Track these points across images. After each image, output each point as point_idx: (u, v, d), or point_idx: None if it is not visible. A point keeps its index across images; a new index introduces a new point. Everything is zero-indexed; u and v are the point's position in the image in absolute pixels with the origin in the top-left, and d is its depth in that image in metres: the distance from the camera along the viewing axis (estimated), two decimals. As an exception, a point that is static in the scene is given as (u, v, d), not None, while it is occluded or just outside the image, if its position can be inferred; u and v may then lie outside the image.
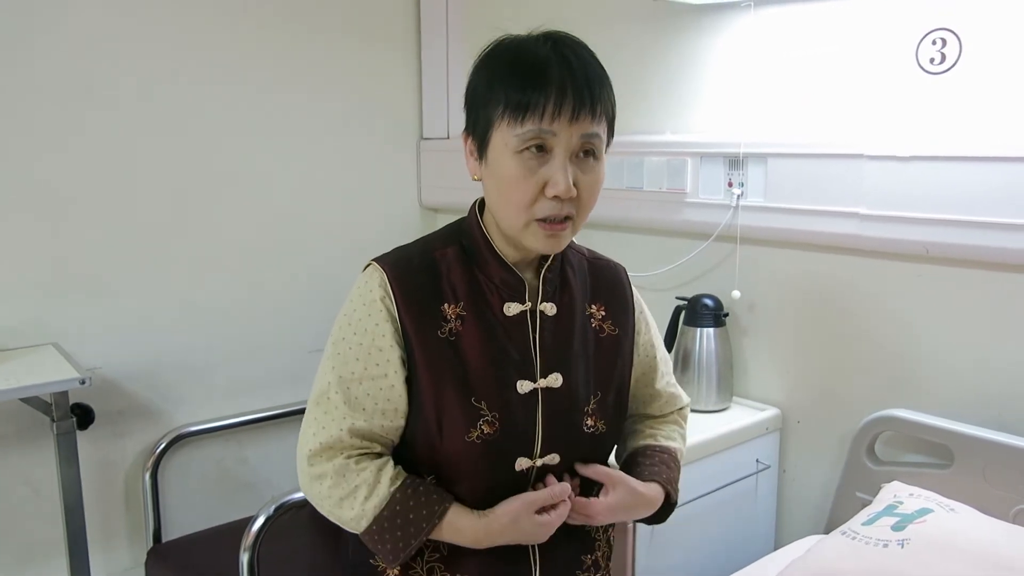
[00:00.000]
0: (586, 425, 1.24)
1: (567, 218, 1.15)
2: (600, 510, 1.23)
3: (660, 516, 1.33)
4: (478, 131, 1.16)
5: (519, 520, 1.17)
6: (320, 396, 1.21)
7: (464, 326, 1.19)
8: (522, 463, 1.20)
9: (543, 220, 1.13)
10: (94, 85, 2.23)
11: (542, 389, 1.21)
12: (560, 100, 1.09)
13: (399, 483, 1.17)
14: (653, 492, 1.28)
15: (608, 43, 2.30)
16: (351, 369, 1.18)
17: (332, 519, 1.21)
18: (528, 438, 1.20)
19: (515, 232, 1.16)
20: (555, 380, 1.21)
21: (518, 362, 1.20)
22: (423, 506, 1.16)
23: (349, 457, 1.18)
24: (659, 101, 2.23)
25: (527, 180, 1.11)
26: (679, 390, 1.43)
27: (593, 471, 1.25)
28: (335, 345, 1.20)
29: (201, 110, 2.41)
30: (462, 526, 1.17)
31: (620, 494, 1.24)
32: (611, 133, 1.18)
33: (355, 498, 1.17)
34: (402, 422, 1.20)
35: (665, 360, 1.41)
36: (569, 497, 1.21)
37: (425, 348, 1.17)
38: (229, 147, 2.48)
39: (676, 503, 1.33)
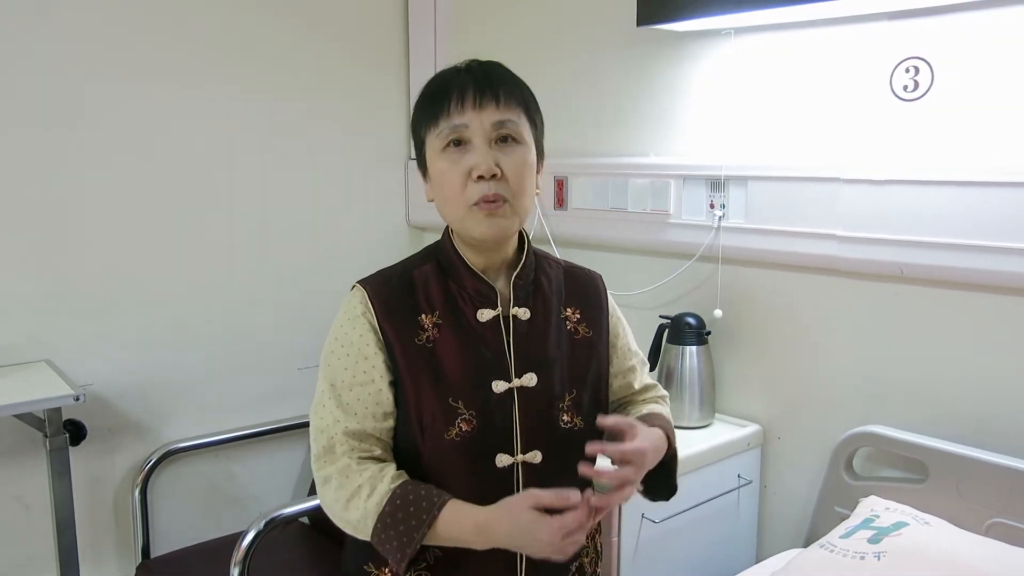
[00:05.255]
0: (563, 421, 1.30)
1: (503, 200, 1.23)
2: (639, 451, 1.21)
3: (667, 483, 1.36)
4: (419, 156, 1.29)
5: (516, 512, 1.15)
6: (316, 405, 1.29)
7: (440, 333, 1.27)
8: (503, 459, 1.26)
9: (478, 203, 1.22)
10: (88, 105, 2.26)
11: (517, 388, 1.28)
12: (462, 94, 1.21)
13: (400, 481, 1.21)
14: (658, 434, 1.30)
15: (593, 68, 2.37)
16: (341, 378, 1.26)
17: (346, 529, 1.25)
18: (507, 435, 1.26)
19: (460, 224, 1.26)
20: (530, 379, 1.28)
21: (493, 364, 1.28)
22: (423, 499, 1.19)
23: (351, 458, 1.24)
24: (643, 124, 2.28)
25: (453, 170, 1.22)
26: (656, 383, 1.50)
27: (612, 420, 1.24)
28: (326, 359, 1.29)
29: (192, 132, 2.44)
30: (462, 517, 1.18)
31: (644, 433, 1.24)
32: (534, 124, 1.28)
33: (359, 497, 1.21)
34: (391, 423, 1.27)
35: (643, 361, 1.49)
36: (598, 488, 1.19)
37: (405, 354, 1.26)
38: (220, 167, 2.51)
39: (677, 452, 1.35)
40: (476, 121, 1.21)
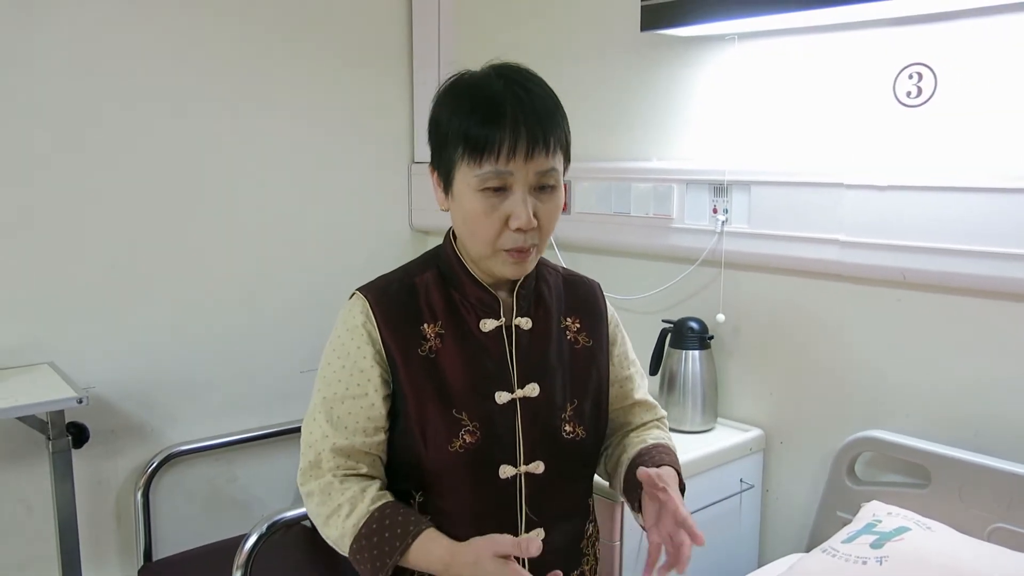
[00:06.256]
0: (565, 431, 1.29)
1: (532, 247, 1.22)
2: (680, 504, 1.22)
3: None
4: (442, 169, 1.24)
5: (481, 560, 1.14)
6: (308, 418, 1.29)
7: (443, 343, 1.26)
8: (506, 471, 1.25)
9: (509, 251, 1.21)
10: (89, 107, 2.26)
11: (520, 399, 1.27)
12: (515, 140, 1.15)
13: (379, 503, 1.22)
14: (673, 473, 1.29)
15: (597, 72, 2.37)
16: (334, 390, 1.26)
17: (327, 540, 1.27)
18: (510, 446, 1.26)
19: (483, 260, 1.24)
20: (532, 390, 1.28)
21: (495, 374, 1.27)
22: (398, 525, 1.19)
23: (335, 476, 1.24)
24: (646, 129, 2.28)
25: (490, 216, 1.18)
26: (655, 402, 1.49)
27: (645, 474, 1.23)
28: (322, 370, 1.28)
29: (195, 135, 2.44)
30: (431, 550, 1.18)
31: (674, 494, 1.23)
32: (568, 159, 1.25)
33: (338, 516, 1.22)
34: (383, 437, 1.27)
35: (641, 373, 1.47)
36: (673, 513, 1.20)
37: (407, 365, 1.25)
38: (223, 170, 2.51)
39: (685, 487, 1.34)
40: (523, 171, 1.17)
